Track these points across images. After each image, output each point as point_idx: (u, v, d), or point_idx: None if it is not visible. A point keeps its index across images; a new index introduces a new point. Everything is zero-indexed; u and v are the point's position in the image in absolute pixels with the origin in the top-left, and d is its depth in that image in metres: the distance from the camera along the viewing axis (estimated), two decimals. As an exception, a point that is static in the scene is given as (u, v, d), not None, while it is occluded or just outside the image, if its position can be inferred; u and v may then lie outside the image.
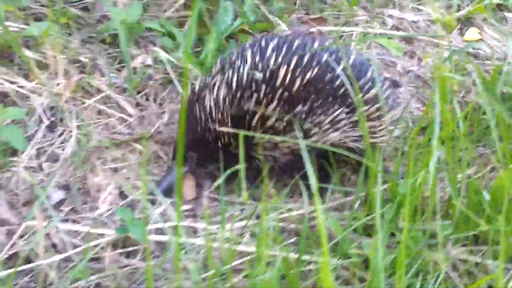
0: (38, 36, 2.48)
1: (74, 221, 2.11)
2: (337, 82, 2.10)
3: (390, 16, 3.10)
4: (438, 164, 1.90)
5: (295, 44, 2.16)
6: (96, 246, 2.00)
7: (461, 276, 1.88)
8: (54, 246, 2.02)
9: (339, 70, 2.07)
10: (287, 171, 2.22)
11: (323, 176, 2.14)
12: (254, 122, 2.09)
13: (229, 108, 2.11)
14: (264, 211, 1.59)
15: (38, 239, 1.93)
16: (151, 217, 2.10)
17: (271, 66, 2.10)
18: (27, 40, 2.56)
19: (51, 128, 2.38)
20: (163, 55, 2.59)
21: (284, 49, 2.14)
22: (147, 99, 2.55)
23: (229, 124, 2.10)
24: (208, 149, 2.17)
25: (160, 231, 2.09)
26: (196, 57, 2.68)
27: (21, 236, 2.03)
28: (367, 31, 2.97)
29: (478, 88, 2.70)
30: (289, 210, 2.10)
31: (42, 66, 2.51)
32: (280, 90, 2.08)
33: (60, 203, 2.17)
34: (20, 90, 2.44)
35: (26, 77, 2.50)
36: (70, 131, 2.35)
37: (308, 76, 2.09)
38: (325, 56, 2.11)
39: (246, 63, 2.13)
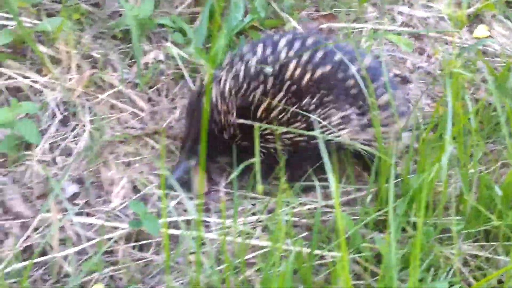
0: (51, 31, 2.49)
1: (88, 214, 2.13)
2: (350, 82, 2.11)
3: (400, 13, 3.10)
4: (449, 160, 1.91)
5: (309, 41, 2.16)
6: (109, 239, 2.02)
7: (472, 271, 1.89)
8: (68, 239, 2.04)
9: (353, 70, 2.06)
10: (298, 167, 2.23)
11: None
12: (258, 113, 2.09)
13: (235, 99, 2.11)
14: (279, 204, 1.60)
15: (53, 232, 1.95)
16: (165, 210, 2.12)
17: (281, 60, 2.11)
18: (39, 35, 2.58)
19: (64, 122, 2.40)
20: (174, 51, 2.61)
21: (297, 44, 2.15)
22: (159, 94, 2.56)
23: (234, 115, 2.11)
24: (215, 142, 2.17)
25: (173, 225, 2.11)
26: (207, 53, 2.70)
27: (35, 229, 2.05)
28: (377, 28, 2.98)
29: (488, 85, 2.72)
30: (302, 204, 2.11)
31: (55, 61, 2.53)
32: (288, 83, 2.08)
33: (74, 196, 2.19)
34: (33, 85, 2.46)
35: (39, 72, 2.52)
36: (83, 126, 2.37)
37: (320, 72, 2.10)
38: (338, 55, 2.11)
39: (256, 55, 2.14)
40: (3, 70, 2.47)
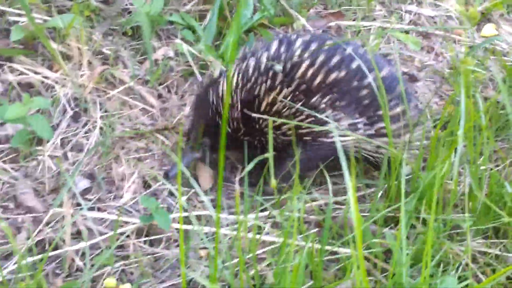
0: (62, 28, 2.50)
1: (99, 209, 2.15)
2: (364, 92, 2.09)
3: (408, 12, 3.12)
4: (459, 158, 1.92)
5: (328, 43, 2.14)
6: (121, 234, 2.03)
7: (481, 268, 1.90)
8: (79, 233, 2.06)
9: (370, 79, 2.05)
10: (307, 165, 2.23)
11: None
12: (262, 107, 2.09)
13: (240, 93, 2.11)
14: (293, 200, 1.61)
15: (66, 226, 1.96)
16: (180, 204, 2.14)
17: (294, 59, 2.10)
18: (50, 32, 2.60)
19: (75, 118, 2.42)
20: (185, 48, 2.62)
21: (313, 46, 2.12)
22: (169, 91, 2.58)
23: (238, 108, 2.11)
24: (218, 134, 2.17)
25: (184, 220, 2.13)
26: (216, 50, 2.71)
27: (47, 223, 2.07)
28: (385, 26, 3.00)
29: (497, 83, 2.73)
30: (312, 200, 2.13)
31: (66, 57, 2.54)
32: (297, 81, 2.07)
33: (85, 191, 2.20)
34: (45, 80, 2.48)
35: (50, 68, 2.54)
36: (94, 122, 2.39)
37: (334, 76, 2.08)
38: (355, 63, 2.08)
39: (269, 51, 2.14)
40: (15, 65, 2.49)
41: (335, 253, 1.91)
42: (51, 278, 1.93)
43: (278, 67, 2.09)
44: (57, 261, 1.99)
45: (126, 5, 2.81)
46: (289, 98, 2.07)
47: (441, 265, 1.86)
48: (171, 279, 1.95)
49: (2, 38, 2.57)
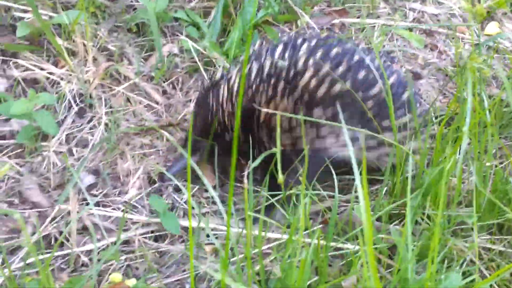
0: (68, 24, 2.51)
1: (104, 205, 2.15)
2: (369, 103, 2.02)
3: (412, 9, 3.12)
4: (464, 154, 1.93)
5: (333, 51, 2.06)
6: (126, 230, 2.04)
7: (485, 264, 1.91)
8: (84, 228, 2.07)
9: (376, 89, 2.00)
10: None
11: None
12: (262, 118, 2.02)
13: (243, 101, 2.04)
14: (303, 195, 1.62)
15: (72, 222, 1.97)
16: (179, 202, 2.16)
17: (298, 66, 2.02)
18: (55, 28, 2.61)
19: (80, 114, 2.43)
20: (190, 44, 2.63)
21: (319, 53, 2.04)
22: (174, 88, 2.59)
23: (240, 116, 2.02)
24: (218, 140, 2.14)
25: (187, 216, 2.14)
26: (221, 47, 2.72)
27: (53, 219, 2.08)
28: (389, 24, 3.00)
29: (499, 81, 2.74)
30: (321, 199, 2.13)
31: (71, 53, 2.55)
32: (300, 91, 2.00)
33: (90, 187, 2.21)
34: (50, 76, 2.49)
35: (55, 64, 2.55)
36: (99, 118, 2.39)
37: (338, 87, 2.00)
38: (362, 72, 2.02)
39: (273, 56, 2.06)
40: (20, 61, 2.49)
41: (339, 249, 1.92)
42: (56, 273, 1.94)
43: (282, 63, 2.04)
44: (62, 256, 1.99)
45: (131, 1, 2.82)
46: (290, 108, 2.00)
47: (445, 261, 1.87)
48: (176, 274, 1.95)
49: (8, 34, 2.58)
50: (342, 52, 2.06)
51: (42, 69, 2.49)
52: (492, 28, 3.10)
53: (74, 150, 2.32)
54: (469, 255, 1.86)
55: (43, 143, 2.30)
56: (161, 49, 2.56)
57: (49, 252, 1.93)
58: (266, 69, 2.04)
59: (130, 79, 2.53)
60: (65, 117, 2.40)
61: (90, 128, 2.38)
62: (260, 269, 1.76)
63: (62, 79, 2.48)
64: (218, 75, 2.20)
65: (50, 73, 2.49)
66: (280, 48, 2.09)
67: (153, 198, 2.07)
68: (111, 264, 1.95)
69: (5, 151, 2.28)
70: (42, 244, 1.93)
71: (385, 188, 2.06)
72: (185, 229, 2.09)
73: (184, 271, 1.96)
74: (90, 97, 2.45)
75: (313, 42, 2.09)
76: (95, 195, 2.17)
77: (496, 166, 2.04)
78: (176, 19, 2.82)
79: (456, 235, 1.94)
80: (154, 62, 2.61)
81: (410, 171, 1.71)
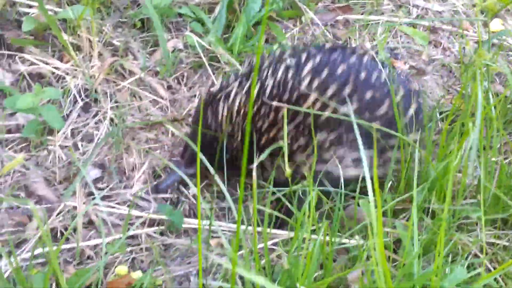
0: (73, 19, 2.51)
1: (110, 199, 2.16)
2: (377, 124, 1.84)
3: (416, 6, 3.13)
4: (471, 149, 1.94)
5: (339, 70, 1.97)
6: (131, 224, 2.05)
7: (487, 257, 1.92)
8: (90, 222, 2.08)
9: (384, 109, 1.94)
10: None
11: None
12: (262, 141, 1.95)
13: (242, 121, 1.98)
14: (311, 190, 1.62)
15: (79, 216, 1.98)
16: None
17: (302, 88, 1.92)
18: (60, 23, 2.61)
19: (85, 109, 2.43)
20: (195, 39, 2.63)
21: (324, 74, 1.95)
22: (179, 83, 2.59)
23: (239, 137, 1.99)
24: (215, 158, 2.01)
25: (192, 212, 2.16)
26: (225, 43, 2.72)
27: (59, 213, 2.09)
28: (393, 20, 3.01)
29: (503, 78, 2.75)
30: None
31: (76, 48, 2.56)
32: (303, 115, 1.92)
33: (96, 181, 2.22)
34: (55, 71, 2.49)
35: (60, 59, 2.55)
36: (105, 112, 2.40)
37: (344, 111, 1.89)
38: (369, 93, 1.96)
39: (275, 76, 1.96)
40: (25, 56, 2.50)
41: (342, 243, 1.92)
42: (62, 266, 1.95)
43: (290, 62, 1.98)
44: (68, 249, 2.00)
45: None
46: (292, 132, 1.94)
47: (450, 255, 1.88)
48: (181, 267, 1.96)
49: (13, 29, 2.59)
50: (347, 70, 1.97)
51: (47, 63, 2.50)
52: (495, 25, 3.11)
53: (79, 144, 2.33)
54: (473, 250, 1.86)
55: (49, 137, 2.30)
56: (166, 44, 2.56)
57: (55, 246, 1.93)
58: (268, 90, 1.96)
59: (135, 74, 2.54)
60: (70, 112, 2.41)
61: (96, 123, 2.39)
62: (266, 263, 1.76)
63: (67, 74, 2.49)
64: (217, 86, 2.11)
65: (56, 68, 2.50)
66: (283, 67, 1.99)
67: (161, 206, 2.09)
68: (117, 257, 1.96)
69: (11, 145, 2.29)
70: (49, 237, 1.93)
71: (390, 183, 2.06)
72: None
73: (189, 263, 1.97)
74: (96, 92, 2.45)
75: (318, 59, 1.99)
76: (101, 189, 2.17)
77: (501, 161, 2.05)
78: (181, 15, 2.82)
79: (461, 229, 1.94)
80: (159, 57, 2.62)
81: (416, 163, 1.71)
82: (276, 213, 1.77)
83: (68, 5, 2.66)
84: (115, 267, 1.93)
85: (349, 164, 1.98)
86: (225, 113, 2.00)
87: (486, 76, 2.08)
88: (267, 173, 1.99)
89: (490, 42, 2.28)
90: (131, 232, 2.02)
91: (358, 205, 1.92)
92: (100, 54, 2.56)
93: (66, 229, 2.02)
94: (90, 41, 2.55)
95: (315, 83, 1.93)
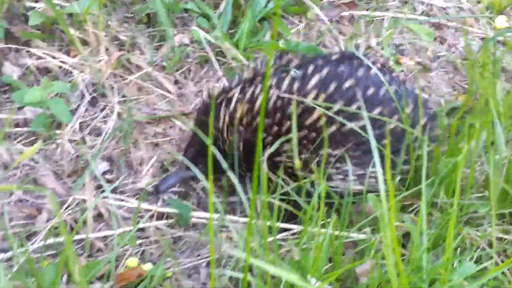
0: (80, 13, 2.52)
1: (118, 192, 2.17)
2: (385, 141, 1.79)
3: (420, 2, 3.13)
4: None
5: (346, 84, 1.92)
6: (140, 217, 2.07)
7: (497, 254, 1.93)
8: (99, 215, 2.09)
9: (392, 125, 1.89)
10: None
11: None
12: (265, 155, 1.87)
13: (244, 131, 1.94)
14: (322, 180, 1.63)
15: (89, 208, 1.99)
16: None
17: (306, 102, 1.87)
18: (66, 17, 2.61)
19: (93, 103, 2.44)
20: (201, 34, 2.64)
21: (331, 88, 1.91)
22: (185, 77, 2.60)
23: (240, 147, 1.94)
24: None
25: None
26: (230, 38, 2.73)
27: (69, 205, 2.09)
28: (398, 16, 3.02)
29: (509, 74, 2.76)
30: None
31: (82, 43, 2.56)
32: (308, 129, 1.89)
33: (104, 174, 2.23)
34: (62, 65, 2.50)
35: (67, 53, 2.56)
36: (112, 106, 2.41)
37: (350, 127, 1.86)
38: (378, 109, 1.91)
39: (280, 90, 1.92)
40: (32, 50, 2.51)
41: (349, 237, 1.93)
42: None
43: (296, 74, 1.94)
44: (77, 241, 2.01)
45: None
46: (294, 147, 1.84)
47: (458, 250, 1.89)
48: (190, 260, 1.97)
49: (20, 23, 2.59)
50: (355, 85, 1.92)
51: (54, 58, 2.50)
52: (500, 22, 3.11)
53: (87, 138, 2.33)
54: (481, 244, 1.88)
55: (57, 131, 2.31)
56: (173, 38, 2.57)
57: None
58: (272, 101, 1.91)
59: (142, 69, 2.55)
60: (78, 106, 2.41)
61: (103, 117, 2.40)
62: (274, 257, 1.77)
63: (74, 68, 2.49)
64: (219, 88, 2.09)
65: (62, 62, 2.50)
66: (288, 79, 1.95)
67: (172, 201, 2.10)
68: (127, 250, 1.97)
69: (19, 138, 2.29)
70: (63, 226, 1.94)
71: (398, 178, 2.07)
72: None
73: (198, 256, 1.98)
74: (103, 86, 2.46)
75: (325, 72, 1.95)
76: (110, 182, 2.18)
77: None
78: (187, 10, 2.83)
79: (469, 224, 1.96)
80: (165, 52, 2.62)
81: (425, 155, 1.72)
82: (285, 206, 1.78)
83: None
84: (126, 259, 1.94)
85: (354, 179, 1.95)
86: (226, 120, 1.96)
87: (496, 72, 2.09)
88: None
89: (495, 39, 2.28)
90: (140, 225, 2.02)
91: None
92: (107, 49, 2.56)
93: (75, 222, 2.03)
94: (96, 35, 2.55)
95: (322, 97, 1.89)
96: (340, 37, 2.87)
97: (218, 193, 2.20)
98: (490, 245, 1.96)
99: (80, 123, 2.37)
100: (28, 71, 2.45)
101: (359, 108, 1.88)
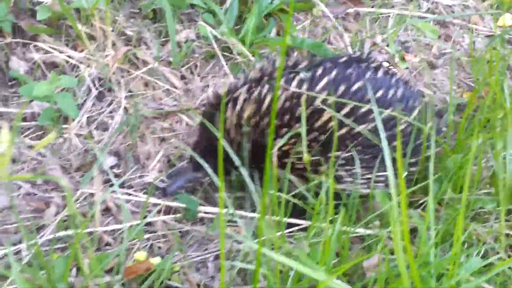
0: (87, 8, 2.52)
1: (125, 187, 2.18)
2: (393, 144, 1.84)
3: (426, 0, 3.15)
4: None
5: (355, 87, 1.92)
6: (148, 211, 2.07)
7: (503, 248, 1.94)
8: (107, 209, 2.09)
9: (402, 126, 1.90)
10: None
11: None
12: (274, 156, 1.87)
13: (252, 132, 1.93)
14: (331, 181, 1.64)
15: (98, 202, 2.00)
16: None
17: (316, 104, 1.88)
18: (73, 12, 2.62)
19: (99, 98, 2.45)
20: (208, 30, 2.64)
21: (341, 89, 1.91)
22: (191, 73, 2.61)
23: (248, 148, 1.91)
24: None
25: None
26: (236, 34, 2.74)
27: (75, 200, 2.10)
28: (403, 14, 3.02)
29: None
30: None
31: (89, 38, 2.56)
32: (316, 131, 1.88)
33: (112, 169, 2.23)
34: (69, 60, 2.50)
35: (74, 48, 2.56)
36: (119, 101, 2.42)
37: (360, 129, 1.88)
38: (387, 111, 1.90)
39: (288, 91, 1.90)
40: (39, 44, 2.51)
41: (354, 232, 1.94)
42: (81, 251, 1.96)
43: (305, 76, 1.93)
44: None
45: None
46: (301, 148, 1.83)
47: (465, 245, 1.90)
48: (198, 253, 1.98)
49: (27, 18, 2.59)
50: (364, 87, 1.93)
51: (61, 52, 2.51)
52: (506, 20, 3.12)
53: (94, 133, 2.34)
54: (488, 240, 1.88)
55: (64, 126, 2.32)
56: (174, 34, 2.57)
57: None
58: (280, 103, 1.90)
59: (148, 64, 2.55)
60: (84, 101, 2.42)
61: (110, 112, 2.40)
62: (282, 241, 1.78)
63: (81, 63, 2.50)
64: (225, 88, 2.08)
65: (69, 57, 2.51)
66: (296, 80, 1.94)
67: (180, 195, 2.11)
68: (134, 244, 1.98)
69: (27, 132, 2.30)
70: (74, 218, 1.94)
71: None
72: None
73: (205, 250, 1.99)
74: (109, 81, 2.46)
75: (333, 74, 1.95)
76: (117, 176, 2.19)
77: None
78: (193, 6, 2.83)
79: (476, 220, 1.97)
80: (171, 47, 2.63)
81: (433, 151, 1.72)
82: (294, 200, 1.79)
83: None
84: (134, 253, 1.95)
85: (363, 182, 1.95)
86: (233, 120, 1.95)
87: (503, 70, 2.10)
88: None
89: (502, 36, 2.28)
90: (148, 219, 2.03)
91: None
92: (113, 44, 2.57)
93: (84, 216, 2.04)
94: (103, 30, 2.56)
95: (330, 101, 1.88)
96: (345, 34, 2.87)
97: (225, 189, 2.21)
98: (496, 240, 1.97)
99: (87, 117, 2.37)
100: (35, 66, 2.46)
101: (368, 110, 1.88)
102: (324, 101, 1.87)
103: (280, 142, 1.79)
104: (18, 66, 2.47)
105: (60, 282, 1.69)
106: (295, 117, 1.87)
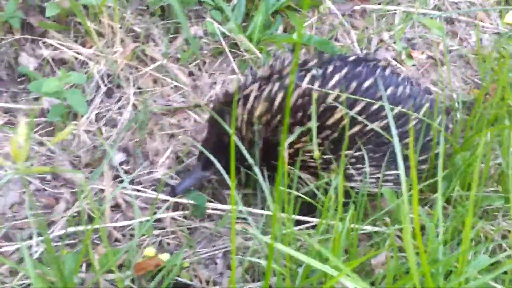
0: (96, 5, 2.53)
1: (134, 183, 2.19)
2: (406, 141, 1.90)
3: (432, -3, 3.15)
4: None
5: (366, 83, 1.92)
6: (157, 208, 2.09)
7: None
8: (117, 205, 2.11)
9: (410, 125, 1.89)
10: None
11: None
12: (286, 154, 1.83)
13: (264, 130, 1.92)
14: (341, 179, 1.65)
15: (108, 198, 2.01)
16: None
17: (328, 101, 1.87)
18: (82, 9, 2.63)
19: (108, 94, 2.46)
20: (216, 26, 2.65)
21: (352, 86, 1.90)
22: (199, 69, 2.62)
23: (260, 145, 1.91)
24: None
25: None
26: (244, 31, 2.74)
27: (85, 196, 2.11)
28: (409, 11, 3.03)
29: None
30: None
31: (98, 34, 2.57)
32: (329, 129, 1.88)
33: (121, 165, 2.24)
34: (78, 56, 2.51)
35: (82, 45, 2.57)
36: (127, 98, 2.43)
37: (372, 126, 1.87)
38: (397, 108, 1.90)
39: (299, 88, 1.89)
40: (48, 41, 2.52)
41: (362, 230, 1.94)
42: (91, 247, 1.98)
43: (316, 72, 1.92)
44: (95, 230, 2.03)
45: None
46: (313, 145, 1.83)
47: (473, 243, 1.90)
48: (207, 250, 1.99)
49: (36, 15, 2.60)
50: (374, 85, 1.93)
51: (70, 49, 2.52)
52: (511, 17, 3.13)
53: (103, 129, 2.35)
54: (496, 237, 1.89)
55: (73, 122, 2.33)
56: (186, 30, 2.58)
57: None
58: (293, 100, 1.89)
59: (156, 61, 2.56)
60: (93, 97, 2.44)
61: (119, 108, 2.42)
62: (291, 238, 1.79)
63: (90, 59, 2.51)
64: (234, 87, 2.04)
65: (78, 53, 2.52)
66: (307, 77, 1.92)
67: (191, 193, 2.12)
68: (144, 240, 1.99)
69: (36, 128, 2.31)
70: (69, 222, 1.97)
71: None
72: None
73: (214, 246, 2.00)
74: (118, 77, 2.48)
75: (344, 72, 1.95)
76: (126, 172, 2.20)
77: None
78: (200, 3, 2.84)
79: (484, 218, 1.97)
80: (179, 44, 2.64)
81: (443, 148, 1.73)
82: (305, 197, 1.80)
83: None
84: (143, 249, 1.96)
85: (374, 181, 1.95)
86: (244, 118, 1.94)
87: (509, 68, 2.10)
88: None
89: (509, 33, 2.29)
90: (158, 215, 2.04)
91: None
92: (122, 40, 2.58)
93: (93, 212, 2.05)
94: (112, 27, 2.57)
95: (341, 99, 1.86)
96: (352, 31, 2.88)
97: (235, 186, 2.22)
98: (504, 237, 1.97)
99: (96, 114, 2.39)
100: (44, 62, 2.47)
101: (379, 108, 1.88)
102: (336, 99, 1.87)
103: (290, 138, 1.79)
104: (27, 62, 2.48)
105: (70, 277, 1.70)
106: (307, 114, 1.85)
